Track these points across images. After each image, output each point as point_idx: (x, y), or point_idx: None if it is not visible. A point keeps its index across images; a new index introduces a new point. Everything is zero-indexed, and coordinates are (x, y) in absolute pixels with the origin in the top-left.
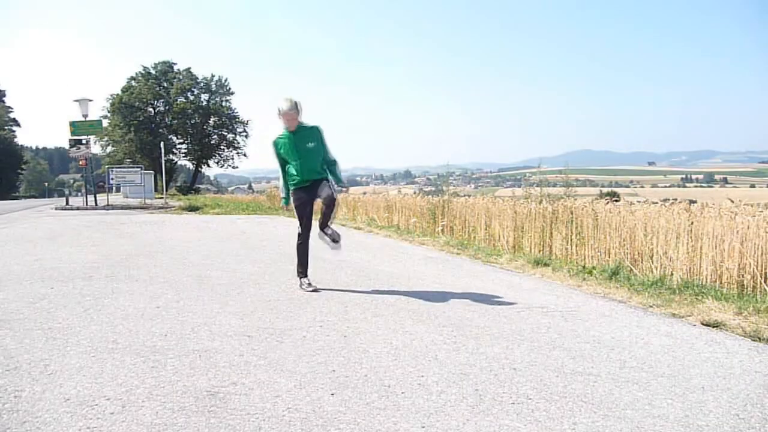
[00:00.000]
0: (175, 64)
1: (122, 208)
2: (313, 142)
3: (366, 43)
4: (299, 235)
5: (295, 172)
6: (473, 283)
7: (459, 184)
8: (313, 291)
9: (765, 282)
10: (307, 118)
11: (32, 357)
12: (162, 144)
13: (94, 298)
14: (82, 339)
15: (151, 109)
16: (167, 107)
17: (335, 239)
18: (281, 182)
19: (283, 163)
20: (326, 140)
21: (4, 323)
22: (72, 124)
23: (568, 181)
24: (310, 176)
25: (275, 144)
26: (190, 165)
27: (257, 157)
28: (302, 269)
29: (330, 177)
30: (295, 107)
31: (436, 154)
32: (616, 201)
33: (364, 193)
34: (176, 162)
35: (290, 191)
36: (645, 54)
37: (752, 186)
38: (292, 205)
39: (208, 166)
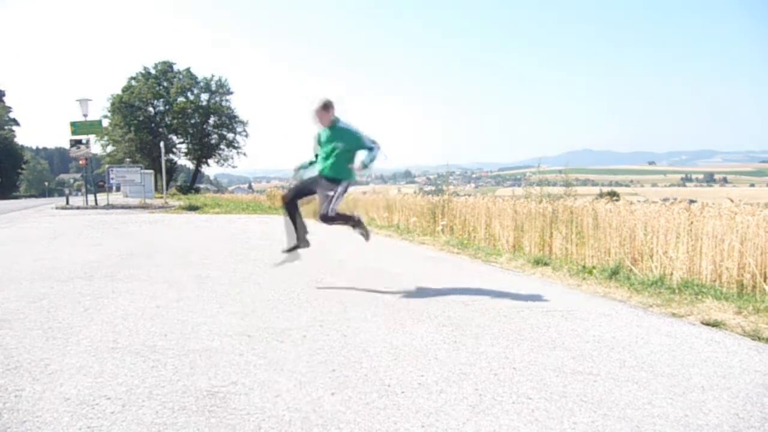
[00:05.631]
0: (174, 63)
1: (122, 207)
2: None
3: (363, 37)
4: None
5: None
6: (473, 282)
7: (459, 183)
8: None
9: (765, 281)
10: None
11: (32, 356)
12: (162, 143)
13: (94, 298)
14: (83, 338)
15: (151, 109)
16: (167, 107)
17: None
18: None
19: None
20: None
21: (4, 323)
22: (72, 124)
23: (568, 181)
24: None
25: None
26: (190, 164)
27: (256, 156)
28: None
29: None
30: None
31: (436, 154)
32: (616, 200)
33: (364, 193)
34: (176, 161)
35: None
36: (645, 54)
37: (752, 185)
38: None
39: (208, 165)
